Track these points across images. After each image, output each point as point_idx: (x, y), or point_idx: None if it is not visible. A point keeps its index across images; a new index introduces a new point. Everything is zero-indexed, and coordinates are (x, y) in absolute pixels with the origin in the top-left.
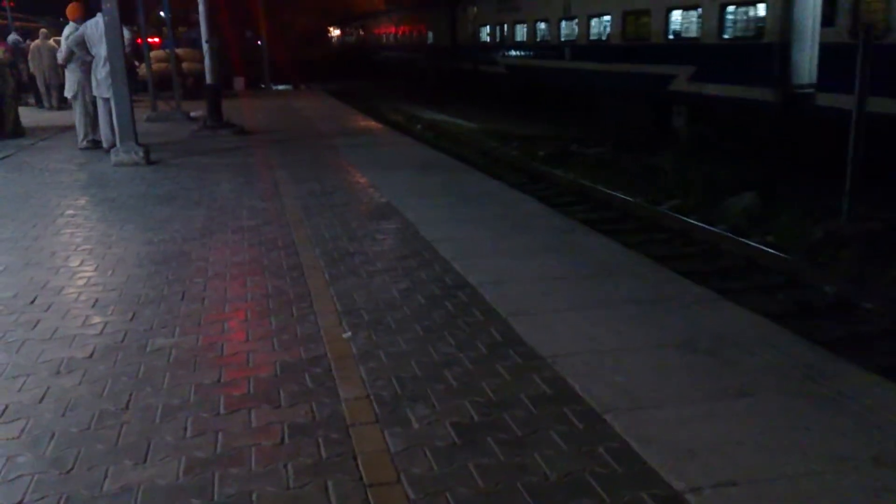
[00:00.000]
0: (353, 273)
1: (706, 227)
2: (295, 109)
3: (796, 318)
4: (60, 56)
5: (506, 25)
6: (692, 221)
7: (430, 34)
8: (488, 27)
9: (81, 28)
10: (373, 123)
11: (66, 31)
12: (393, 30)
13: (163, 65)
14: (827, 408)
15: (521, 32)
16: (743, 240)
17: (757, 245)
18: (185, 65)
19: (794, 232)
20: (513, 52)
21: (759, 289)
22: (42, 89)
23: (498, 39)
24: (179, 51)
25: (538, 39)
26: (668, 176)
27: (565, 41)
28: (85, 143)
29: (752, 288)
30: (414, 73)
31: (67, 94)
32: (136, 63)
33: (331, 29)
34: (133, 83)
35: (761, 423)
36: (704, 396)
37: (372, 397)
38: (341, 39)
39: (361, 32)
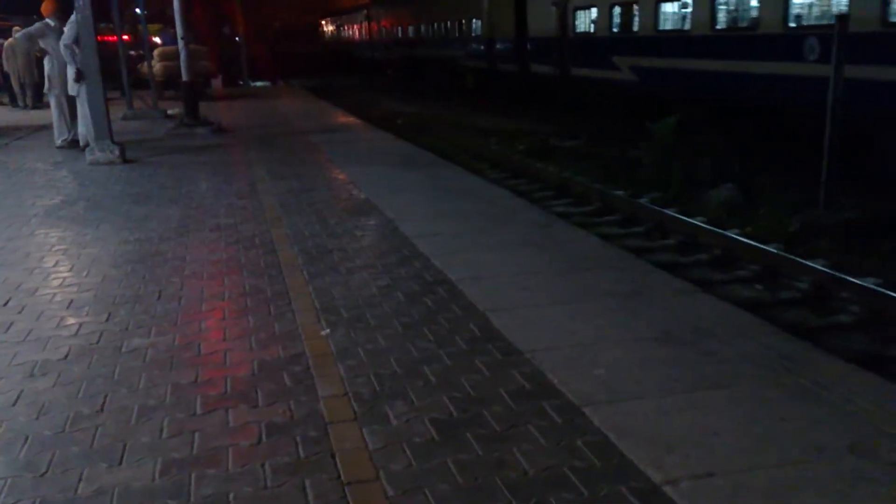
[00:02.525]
0: (332, 270)
1: (685, 219)
2: (274, 107)
3: (774, 308)
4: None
5: (636, 6)
6: (671, 213)
7: (476, 23)
8: (595, 10)
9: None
10: (352, 119)
11: (36, 27)
12: (412, 21)
13: (171, 63)
14: (804, 398)
15: (672, 15)
16: (721, 231)
17: (735, 237)
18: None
19: (773, 223)
20: (653, 48)
21: (738, 280)
22: (16, 88)
23: (618, 27)
24: (190, 47)
25: (723, 26)
26: (647, 168)
27: (805, 27)
28: (61, 141)
29: (730, 279)
30: (449, 77)
31: (46, 90)
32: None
33: (324, 22)
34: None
35: (739, 414)
36: (683, 388)
37: (350, 395)
38: (338, 34)
39: (368, 25)
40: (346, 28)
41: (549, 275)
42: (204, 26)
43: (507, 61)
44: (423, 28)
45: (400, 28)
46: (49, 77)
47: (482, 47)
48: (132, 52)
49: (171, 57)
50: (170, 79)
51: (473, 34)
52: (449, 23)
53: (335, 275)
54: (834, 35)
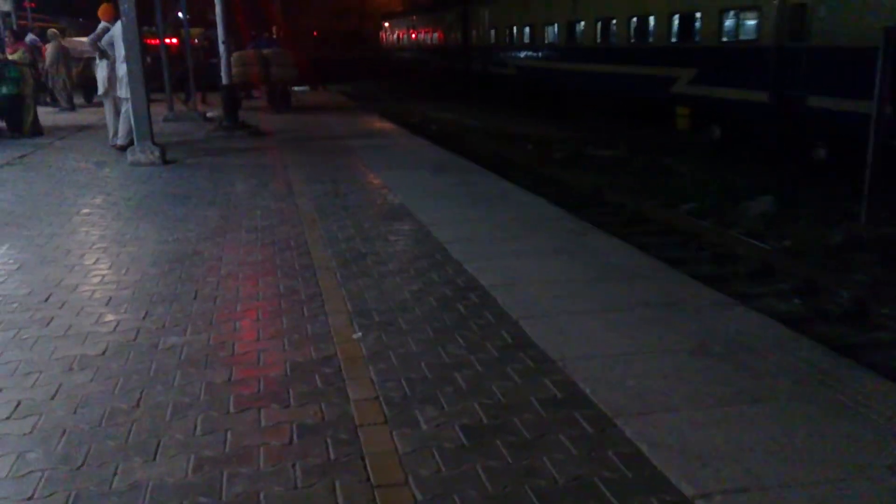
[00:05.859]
0: (365, 274)
1: (721, 230)
2: (313, 112)
3: (812, 323)
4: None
5: None
6: (707, 224)
7: (736, 20)
8: None
9: (114, 28)
10: (387, 125)
11: (99, 29)
12: (556, 17)
13: (248, 68)
14: (842, 414)
15: None
16: (759, 243)
17: (773, 249)
18: (273, 69)
19: (812, 236)
20: None
21: (775, 293)
22: (61, 90)
23: None
24: (267, 52)
25: None
26: (682, 179)
27: None
28: (120, 141)
29: (767, 292)
30: (632, 110)
31: (100, 91)
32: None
33: (387, 25)
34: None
35: (775, 429)
36: (717, 401)
37: (381, 398)
38: (405, 38)
39: (464, 26)
40: (421, 32)
41: (582, 283)
42: (246, 31)
43: (838, 94)
44: (579, 28)
45: (527, 29)
46: (105, 79)
47: (752, 63)
48: (214, 61)
49: (248, 62)
50: (246, 83)
51: (725, 39)
52: (652, 20)
53: (368, 278)
54: (880, 48)
